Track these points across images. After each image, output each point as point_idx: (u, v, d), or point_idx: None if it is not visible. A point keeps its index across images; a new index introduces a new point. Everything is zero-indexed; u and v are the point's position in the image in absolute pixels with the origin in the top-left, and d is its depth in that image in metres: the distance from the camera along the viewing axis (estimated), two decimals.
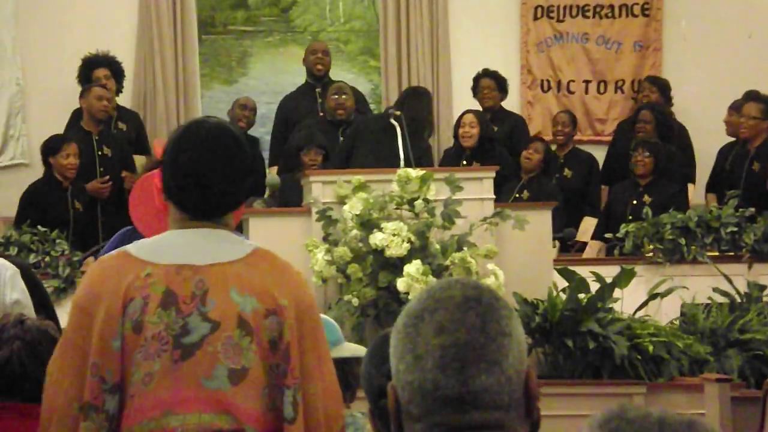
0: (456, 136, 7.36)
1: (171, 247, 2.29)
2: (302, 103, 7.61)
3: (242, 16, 8.47)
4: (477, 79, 7.76)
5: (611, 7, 8.45)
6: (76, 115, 7.43)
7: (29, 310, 3.10)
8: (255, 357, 2.22)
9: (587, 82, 8.50)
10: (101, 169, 7.10)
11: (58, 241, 6.43)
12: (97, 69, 7.46)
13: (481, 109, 7.59)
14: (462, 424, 1.40)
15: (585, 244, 7.29)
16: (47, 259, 6.36)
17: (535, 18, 8.46)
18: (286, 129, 7.47)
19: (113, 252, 2.39)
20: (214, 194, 2.31)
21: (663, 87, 7.89)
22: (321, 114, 7.47)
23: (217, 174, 2.30)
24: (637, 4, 8.47)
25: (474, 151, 7.18)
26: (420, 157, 6.31)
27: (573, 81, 8.49)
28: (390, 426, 1.46)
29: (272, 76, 8.38)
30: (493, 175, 5.90)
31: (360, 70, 8.41)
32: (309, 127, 7.12)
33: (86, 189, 6.92)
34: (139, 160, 7.27)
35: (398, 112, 6.17)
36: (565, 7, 8.44)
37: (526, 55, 8.47)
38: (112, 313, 2.22)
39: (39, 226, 6.48)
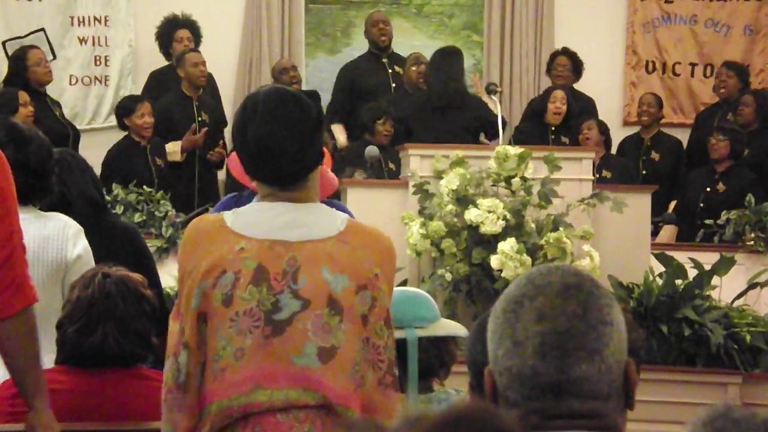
0: (537, 111, 7.30)
1: (265, 221, 2.30)
2: (370, 73, 7.55)
3: None
4: (553, 57, 7.64)
5: None
6: (153, 78, 7.51)
7: (90, 267, 3.07)
8: (344, 337, 2.24)
9: (693, 65, 8.33)
10: None
11: (162, 201, 6.54)
12: (179, 30, 7.51)
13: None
14: (560, 411, 1.40)
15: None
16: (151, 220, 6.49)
17: None
18: (351, 96, 7.46)
19: (212, 216, 2.42)
20: (291, 157, 2.29)
21: (741, 72, 7.67)
22: (393, 85, 7.50)
23: (286, 138, 2.29)
24: None
25: (558, 128, 7.19)
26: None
27: (679, 63, 8.33)
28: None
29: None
30: (593, 156, 5.85)
31: (462, 45, 8.34)
32: (394, 101, 7.10)
33: (166, 147, 6.92)
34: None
35: (500, 89, 6.13)
36: None
37: (631, 35, 8.32)
38: (196, 278, 2.25)
39: (144, 186, 6.60)
